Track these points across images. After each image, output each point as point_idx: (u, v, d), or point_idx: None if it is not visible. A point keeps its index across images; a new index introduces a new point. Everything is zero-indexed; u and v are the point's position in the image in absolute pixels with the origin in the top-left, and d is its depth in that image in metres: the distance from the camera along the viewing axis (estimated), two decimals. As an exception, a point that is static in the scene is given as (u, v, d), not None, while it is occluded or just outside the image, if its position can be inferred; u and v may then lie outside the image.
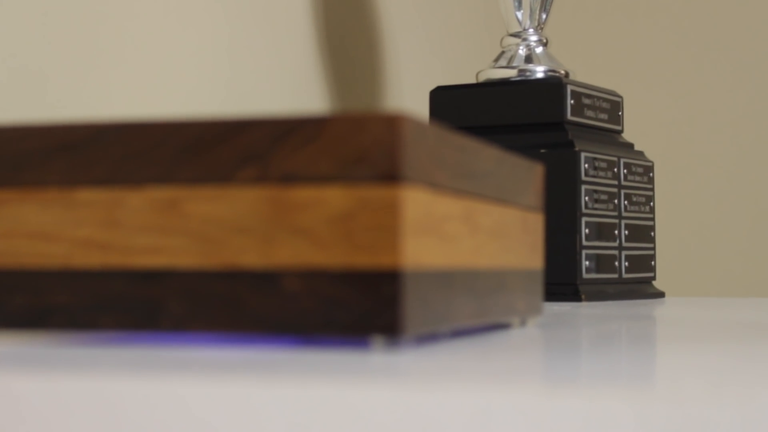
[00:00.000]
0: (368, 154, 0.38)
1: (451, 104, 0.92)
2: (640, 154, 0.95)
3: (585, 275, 0.86)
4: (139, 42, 0.84)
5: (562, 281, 0.86)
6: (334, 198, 0.39)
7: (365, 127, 0.38)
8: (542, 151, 0.87)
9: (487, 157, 0.48)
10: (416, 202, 0.39)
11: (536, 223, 0.56)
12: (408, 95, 1.18)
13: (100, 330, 0.41)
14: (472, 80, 1.30)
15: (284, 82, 0.99)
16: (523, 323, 0.56)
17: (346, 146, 0.39)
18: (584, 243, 0.86)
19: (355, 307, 0.38)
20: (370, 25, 1.12)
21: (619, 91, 1.38)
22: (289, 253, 0.39)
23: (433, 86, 1.22)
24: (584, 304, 0.83)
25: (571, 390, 0.28)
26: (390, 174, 0.38)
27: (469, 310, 0.45)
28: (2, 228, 0.42)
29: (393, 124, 0.38)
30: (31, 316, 0.42)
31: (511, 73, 0.92)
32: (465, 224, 0.45)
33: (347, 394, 0.29)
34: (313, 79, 1.03)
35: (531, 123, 0.89)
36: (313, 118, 0.39)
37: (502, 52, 0.94)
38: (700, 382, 0.30)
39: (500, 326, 0.54)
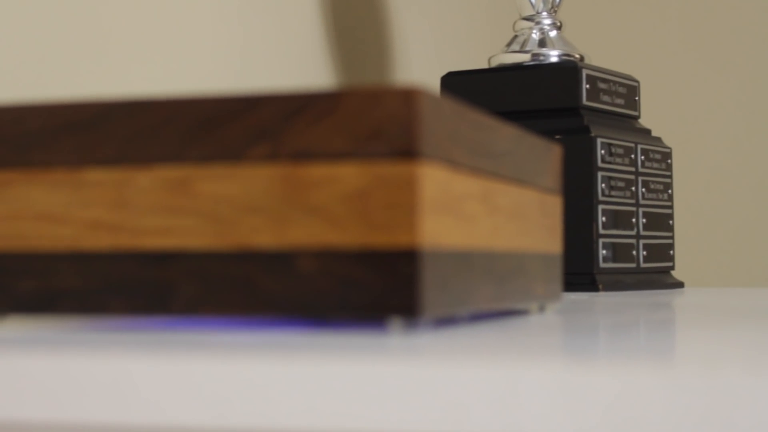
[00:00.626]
0: (384, 130, 0.37)
1: (463, 90, 0.91)
2: (658, 140, 0.94)
3: (602, 264, 0.85)
4: (149, 20, 0.83)
5: (579, 270, 0.85)
6: (348, 175, 0.38)
7: (380, 101, 0.37)
8: (557, 137, 0.86)
9: (504, 135, 0.46)
10: (434, 180, 0.38)
11: (554, 205, 0.55)
12: (418, 81, 1.17)
13: (110, 314, 0.40)
14: (484, 65, 1.28)
15: (292, 66, 0.98)
16: (541, 309, 0.55)
17: (361, 121, 0.37)
18: (601, 231, 0.85)
19: (372, 288, 0.37)
20: (379, 9, 1.11)
21: (636, 76, 1.36)
22: (303, 232, 0.38)
23: (444, 72, 1.21)
24: (601, 293, 0.82)
25: (596, 366, 0.27)
26: (406, 150, 0.37)
27: (487, 292, 0.44)
28: (9, 210, 0.41)
29: (409, 97, 0.37)
30: (40, 300, 0.41)
31: (524, 58, 0.91)
32: (483, 204, 0.44)
33: (365, 372, 0.28)
34: (322, 64, 1.02)
35: (545, 108, 0.88)
36: (327, 93, 0.38)
37: (515, 36, 0.93)
38: (725, 357, 0.29)
39: (518, 312, 0.53)
